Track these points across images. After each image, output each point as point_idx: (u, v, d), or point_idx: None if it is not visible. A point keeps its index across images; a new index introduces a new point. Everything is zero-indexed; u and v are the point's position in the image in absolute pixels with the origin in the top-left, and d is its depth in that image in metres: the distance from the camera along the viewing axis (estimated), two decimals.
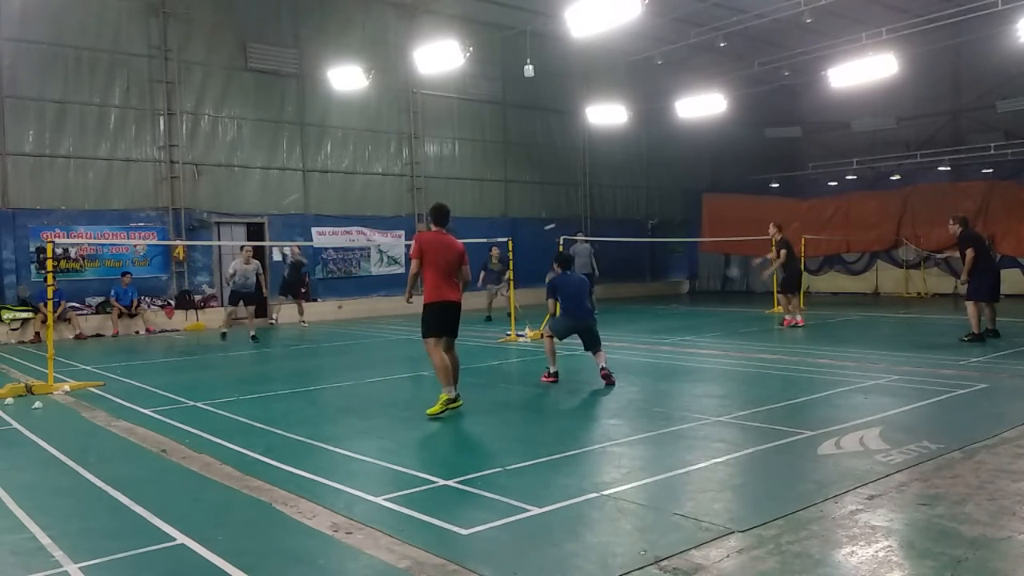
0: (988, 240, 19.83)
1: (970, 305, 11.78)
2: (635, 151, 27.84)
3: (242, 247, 15.26)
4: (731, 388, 8.70)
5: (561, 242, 15.31)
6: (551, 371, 9.17)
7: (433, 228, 7.73)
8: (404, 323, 13.43)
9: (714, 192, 27.43)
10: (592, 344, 9.06)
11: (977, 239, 12.05)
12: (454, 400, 7.35)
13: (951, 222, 12.15)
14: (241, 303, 14.82)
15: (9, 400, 8.72)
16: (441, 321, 7.49)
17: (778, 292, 15.07)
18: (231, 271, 14.66)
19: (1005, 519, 4.14)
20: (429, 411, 7.26)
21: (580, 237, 19.16)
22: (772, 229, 14.94)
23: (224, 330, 14.98)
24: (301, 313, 18.21)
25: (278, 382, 10.01)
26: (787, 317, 14.47)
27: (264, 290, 15.37)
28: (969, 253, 11.55)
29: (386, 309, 20.33)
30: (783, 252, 14.56)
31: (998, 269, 12.70)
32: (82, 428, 7.42)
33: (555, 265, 9.51)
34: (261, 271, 14.96)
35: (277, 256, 19.26)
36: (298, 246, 18.51)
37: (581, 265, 19.48)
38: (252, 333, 14.96)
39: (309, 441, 6.43)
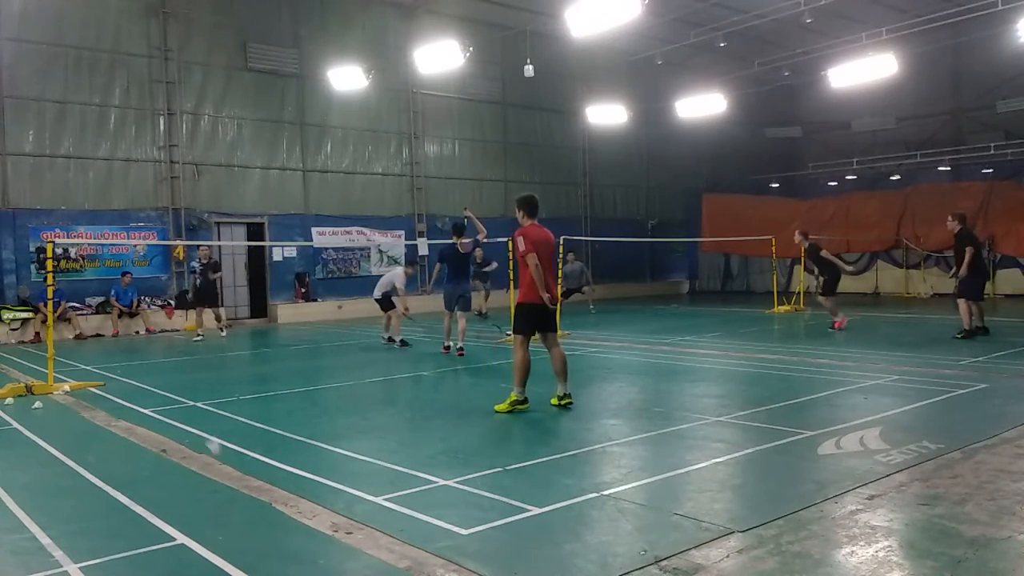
0: (985, 241, 19.88)
1: (962, 303, 12.02)
2: (635, 151, 27.83)
3: (198, 247, 15.35)
4: (731, 388, 8.70)
5: (562, 242, 15.34)
6: (447, 344, 11.67)
7: (527, 222, 7.51)
8: (404, 323, 13.43)
9: (714, 192, 27.43)
10: (464, 307, 11.77)
11: (975, 238, 12.38)
12: (523, 402, 7.30)
13: (950, 218, 12.37)
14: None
15: (9, 400, 8.72)
16: (539, 319, 7.44)
17: (819, 295, 14.70)
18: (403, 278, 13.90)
19: (1005, 519, 4.14)
20: (497, 407, 7.28)
21: (571, 258, 19.23)
22: (797, 237, 14.68)
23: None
24: (219, 319, 15.77)
25: (278, 382, 10.01)
26: (836, 320, 14.00)
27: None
28: (969, 251, 11.78)
29: None
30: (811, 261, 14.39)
31: (987, 270, 12.83)
32: (82, 428, 7.42)
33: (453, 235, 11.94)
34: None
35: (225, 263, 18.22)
36: (208, 246, 16.17)
37: (570, 282, 19.54)
38: (198, 333, 15.09)
39: (309, 441, 6.43)
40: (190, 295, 16.02)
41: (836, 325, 13.85)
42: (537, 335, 7.53)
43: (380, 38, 21.37)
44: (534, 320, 7.43)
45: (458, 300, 11.77)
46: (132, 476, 5.55)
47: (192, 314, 16.10)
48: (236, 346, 14.75)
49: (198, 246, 16.01)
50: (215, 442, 5.13)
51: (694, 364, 10.56)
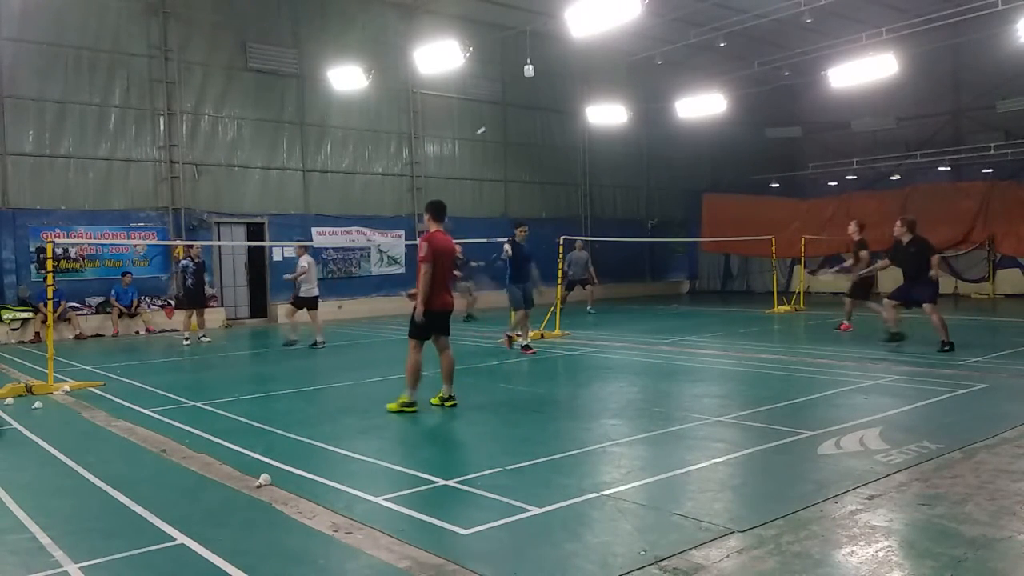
0: (986, 240, 19.82)
1: (887, 303, 11.54)
2: (635, 151, 27.83)
3: (190, 245, 14.74)
4: (731, 388, 8.70)
5: (561, 242, 15.37)
6: (526, 344, 11.74)
7: (433, 227, 7.59)
8: (404, 323, 13.42)
9: (714, 192, 27.43)
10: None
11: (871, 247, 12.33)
12: (410, 405, 7.46)
13: (900, 224, 11.68)
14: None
15: (9, 400, 8.72)
16: (435, 326, 7.56)
17: (847, 296, 13.73)
18: (306, 266, 13.57)
19: (1005, 519, 4.14)
20: (389, 406, 7.49)
21: (578, 245, 19.25)
22: (852, 227, 13.85)
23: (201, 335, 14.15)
24: (202, 325, 15.01)
25: (278, 382, 10.01)
26: (845, 322, 13.61)
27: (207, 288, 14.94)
28: (935, 259, 11.21)
29: (386, 309, 20.33)
30: (864, 253, 13.33)
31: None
32: (82, 428, 7.42)
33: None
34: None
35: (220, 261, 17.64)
36: (199, 245, 15.37)
37: (576, 272, 19.52)
38: (201, 335, 14.43)
39: (309, 441, 6.43)
40: (180, 295, 15.12)
41: (844, 327, 13.43)
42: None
43: (380, 38, 21.37)
44: (433, 326, 7.53)
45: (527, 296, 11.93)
46: (132, 476, 5.55)
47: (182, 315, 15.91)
48: (236, 346, 14.75)
49: (190, 245, 15.30)
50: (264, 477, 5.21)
51: (694, 364, 10.56)
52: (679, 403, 7.94)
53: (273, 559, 3.93)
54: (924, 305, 10.78)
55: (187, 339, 14.58)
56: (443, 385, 7.68)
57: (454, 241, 7.87)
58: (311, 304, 13.56)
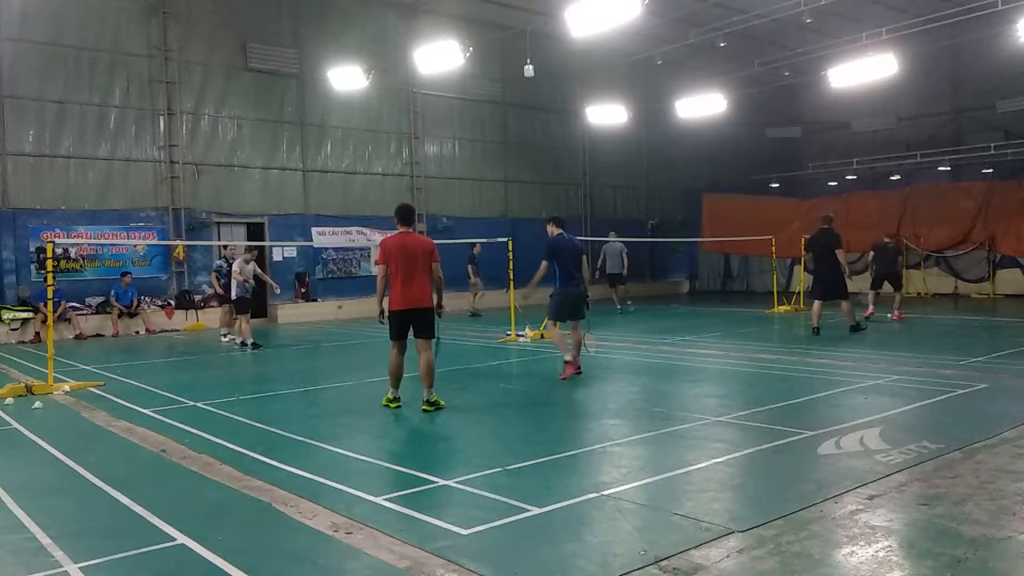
0: (986, 240, 20.06)
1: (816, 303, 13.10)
2: (635, 151, 27.84)
3: (247, 247, 14.06)
4: (731, 388, 8.70)
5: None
6: (568, 359, 9.40)
7: (400, 229, 7.70)
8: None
9: (714, 192, 27.42)
10: (577, 313, 9.51)
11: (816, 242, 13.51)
12: (393, 400, 7.70)
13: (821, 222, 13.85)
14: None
15: (9, 400, 8.72)
16: (408, 324, 7.64)
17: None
18: (239, 271, 13.26)
19: (1005, 519, 4.14)
20: (382, 400, 7.80)
21: (612, 236, 19.31)
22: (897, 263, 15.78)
23: (252, 339, 13.46)
24: (229, 324, 14.77)
25: (278, 382, 10.01)
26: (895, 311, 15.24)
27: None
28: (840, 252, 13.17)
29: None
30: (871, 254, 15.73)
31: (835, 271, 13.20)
32: (82, 428, 7.42)
33: (551, 225, 9.66)
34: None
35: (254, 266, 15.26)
36: (232, 245, 15.44)
37: (612, 265, 19.55)
38: (251, 340, 13.61)
39: (309, 441, 6.43)
40: (223, 294, 14.72)
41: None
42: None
43: (380, 38, 21.37)
44: (403, 326, 7.64)
45: (576, 305, 9.44)
46: (132, 476, 5.55)
47: (192, 315, 16.06)
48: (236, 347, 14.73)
49: (225, 246, 15.52)
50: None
51: (694, 364, 10.56)
52: (679, 403, 7.94)
53: (273, 559, 3.93)
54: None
55: (234, 337, 14.68)
56: (423, 388, 7.60)
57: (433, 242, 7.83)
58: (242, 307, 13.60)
